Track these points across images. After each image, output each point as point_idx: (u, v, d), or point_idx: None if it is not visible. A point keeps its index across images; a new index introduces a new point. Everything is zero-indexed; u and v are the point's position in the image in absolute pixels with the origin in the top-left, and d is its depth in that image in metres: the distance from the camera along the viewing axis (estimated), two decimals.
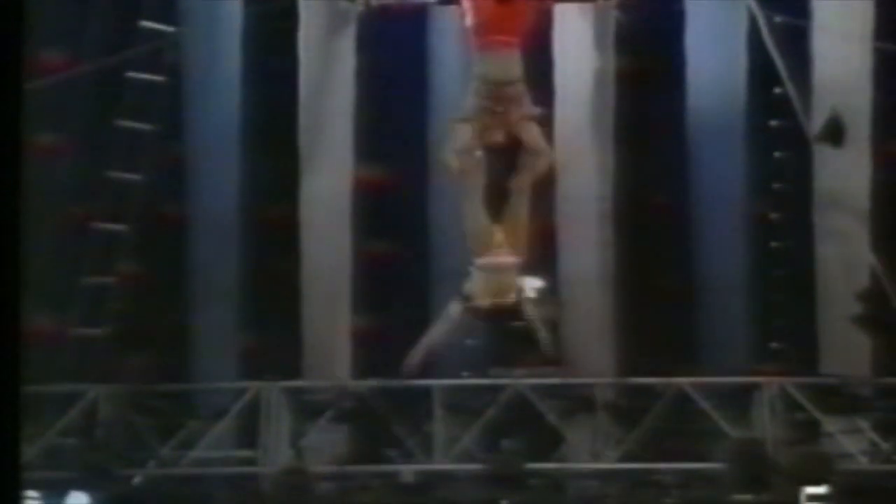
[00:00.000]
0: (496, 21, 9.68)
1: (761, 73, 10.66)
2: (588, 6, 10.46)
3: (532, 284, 10.09)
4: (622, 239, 10.67)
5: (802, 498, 9.35)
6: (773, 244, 10.80)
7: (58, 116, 10.56)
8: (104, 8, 10.64)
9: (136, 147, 10.70)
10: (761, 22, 10.45)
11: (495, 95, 9.59)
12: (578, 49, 10.65)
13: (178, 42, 10.84)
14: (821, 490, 9.33)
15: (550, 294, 10.21)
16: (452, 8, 10.19)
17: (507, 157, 9.91)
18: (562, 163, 10.50)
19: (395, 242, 11.01)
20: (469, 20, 9.83)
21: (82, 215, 10.60)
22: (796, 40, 10.50)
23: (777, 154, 10.81)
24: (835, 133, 10.16)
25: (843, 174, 10.45)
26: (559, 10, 10.38)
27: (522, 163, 9.72)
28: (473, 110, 9.64)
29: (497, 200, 9.67)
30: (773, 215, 10.83)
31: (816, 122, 10.39)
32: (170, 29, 10.81)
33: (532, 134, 9.68)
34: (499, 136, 9.74)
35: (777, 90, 10.59)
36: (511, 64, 9.63)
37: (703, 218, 10.74)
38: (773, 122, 10.76)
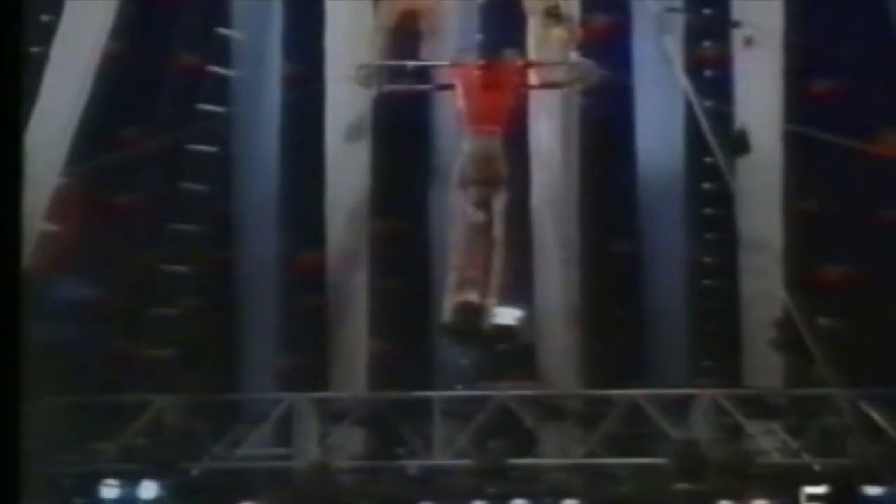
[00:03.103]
0: (482, 111, 10.74)
1: (696, 145, 11.81)
2: (557, 93, 11.53)
3: (514, 314, 11.14)
4: (585, 278, 11.75)
5: (802, 498, 10.10)
6: (707, 282, 11.87)
7: (133, 181, 11.68)
8: (169, 93, 11.67)
9: (195, 204, 11.78)
10: (696, 106, 11.63)
11: (481, 171, 10.58)
12: (550, 128, 11.79)
13: (228, 120, 11.98)
14: (820, 490, 10.10)
15: (528, 321, 11.26)
16: (449, 93, 11.14)
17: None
18: (537, 220, 11.70)
19: (402, 280, 12.04)
20: (460, 106, 10.84)
21: (152, 260, 11.63)
22: (723, 120, 11.68)
23: (708, 210, 11.90)
24: (741, 143, 11.32)
25: (762, 226, 11.52)
26: (534, 97, 11.46)
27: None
28: (462, 179, 10.62)
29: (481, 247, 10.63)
30: (706, 259, 11.89)
31: (740, 185, 11.58)
32: (221, 109, 11.92)
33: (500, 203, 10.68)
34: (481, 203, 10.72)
35: (708, 159, 11.75)
36: (494, 147, 10.63)
37: (651, 262, 11.86)
38: (705, 185, 11.89)
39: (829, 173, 11.50)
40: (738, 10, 11.73)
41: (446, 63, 11.18)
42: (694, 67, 11.86)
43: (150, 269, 11.71)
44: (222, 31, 12.01)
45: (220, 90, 11.99)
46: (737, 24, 11.59)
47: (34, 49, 10.67)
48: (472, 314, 10.42)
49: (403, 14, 11.12)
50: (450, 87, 11.18)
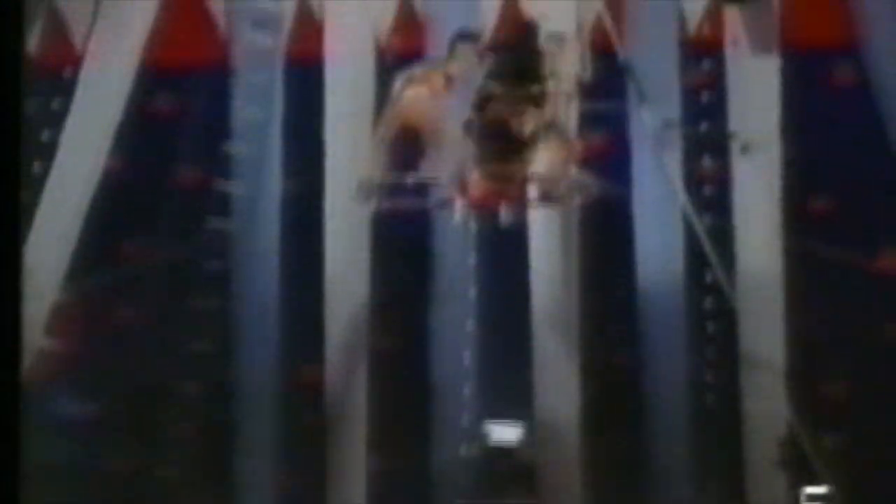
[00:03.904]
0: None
1: (696, 262, 11.59)
2: (555, 212, 11.38)
3: (514, 432, 11.22)
4: (586, 395, 11.46)
5: (802, 498, 10.05)
6: (709, 402, 11.53)
7: (134, 297, 11.52)
8: (171, 208, 11.63)
9: (197, 321, 11.60)
10: (695, 222, 11.47)
11: None
12: (549, 242, 11.58)
13: (230, 235, 11.73)
14: (820, 490, 10.04)
15: (528, 438, 11.21)
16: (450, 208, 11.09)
17: None
18: (537, 334, 11.48)
19: (401, 399, 11.69)
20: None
21: (153, 377, 11.43)
22: (723, 238, 11.53)
23: (710, 327, 11.62)
24: None
25: (765, 344, 11.34)
26: (533, 210, 11.30)
27: None
28: None
29: None
30: (708, 377, 11.57)
31: (741, 305, 11.47)
32: (225, 224, 11.72)
33: None
34: None
35: (708, 276, 11.55)
36: None
37: (652, 380, 11.53)
38: (706, 302, 11.62)
39: (832, 290, 11.31)
40: (735, 125, 11.59)
41: (447, 178, 11.07)
42: (693, 183, 11.71)
43: (150, 386, 11.54)
44: (224, 145, 11.89)
45: (224, 205, 11.88)
46: (731, 135, 11.49)
47: (35, 166, 10.79)
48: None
49: (404, 126, 11.06)
50: (450, 201, 11.11)
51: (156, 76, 11.78)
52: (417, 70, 11.21)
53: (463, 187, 11.10)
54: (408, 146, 11.10)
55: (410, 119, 11.20)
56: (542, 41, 11.00)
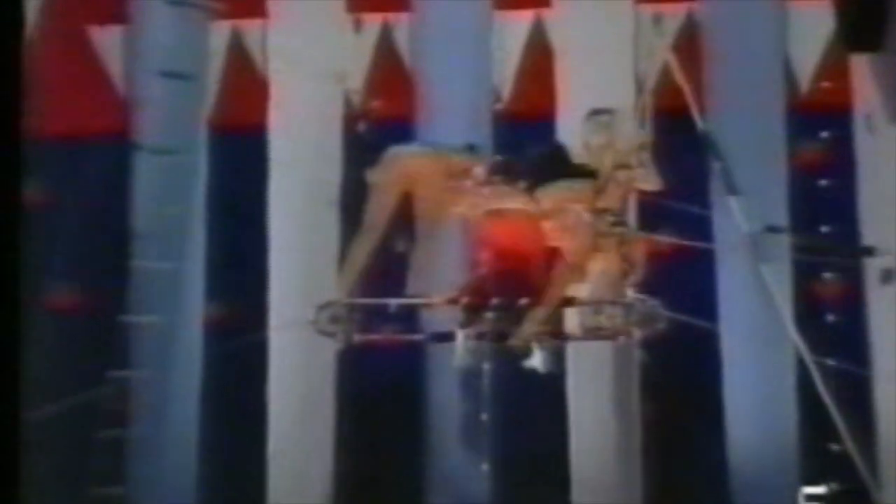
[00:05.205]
0: None
1: (814, 424, 8.72)
2: (606, 345, 8.61)
3: None
4: None
5: (801, 498, 8.47)
6: None
7: None
8: (49, 347, 8.72)
9: None
10: (811, 367, 8.48)
11: None
12: (598, 394, 8.87)
13: (131, 385, 8.94)
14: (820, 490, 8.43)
15: None
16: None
17: None
18: None
19: None
20: None
21: None
22: (854, 389, 8.65)
23: None
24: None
25: None
26: (573, 349, 8.55)
27: None
28: None
29: None
30: None
31: (884, 486, 8.50)
32: (130, 371, 8.89)
33: None
34: None
35: (834, 447, 8.61)
36: None
37: None
38: (833, 484, 8.82)
39: None
40: (870, 230, 8.72)
41: (443, 299, 8.33)
42: (808, 311, 8.79)
43: None
44: (122, 253, 9.03)
45: (122, 343, 8.93)
46: (871, 252, 8.59)
47: None
48: None
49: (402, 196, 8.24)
50: (449, 337, 8.39)
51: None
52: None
53: (470, 312, 8.35)
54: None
55: (413, 184, 8.35)
56: (589, 118, 8.20)
